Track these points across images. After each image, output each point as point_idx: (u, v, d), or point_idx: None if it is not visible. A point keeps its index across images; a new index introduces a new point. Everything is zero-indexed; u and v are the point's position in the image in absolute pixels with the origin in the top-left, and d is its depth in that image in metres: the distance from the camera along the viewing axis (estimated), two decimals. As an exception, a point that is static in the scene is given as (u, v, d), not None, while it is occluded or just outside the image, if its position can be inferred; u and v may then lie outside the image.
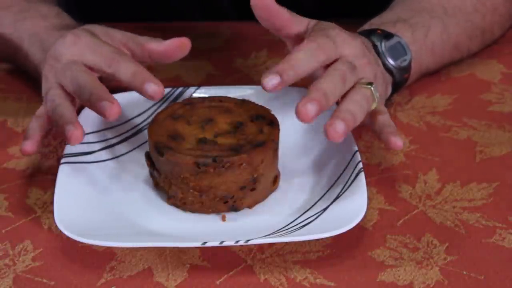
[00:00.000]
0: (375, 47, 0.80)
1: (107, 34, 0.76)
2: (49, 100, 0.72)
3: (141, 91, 0.69)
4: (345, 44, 0.71)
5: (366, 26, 0.84)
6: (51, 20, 0.85)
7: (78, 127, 0.67)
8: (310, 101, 0.65)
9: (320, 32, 0.71)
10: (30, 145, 0.71)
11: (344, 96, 0.68)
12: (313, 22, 0.74)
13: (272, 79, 0.66)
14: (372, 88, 0.69)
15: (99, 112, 0.67)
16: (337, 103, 0.69)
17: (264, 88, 0.66)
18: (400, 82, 0.82)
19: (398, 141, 0.69)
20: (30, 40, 0.84)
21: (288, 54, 0.69)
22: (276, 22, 0.73)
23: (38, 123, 0.73)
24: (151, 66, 0.95)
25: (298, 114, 0.65)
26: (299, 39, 0.74)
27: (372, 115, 0.72)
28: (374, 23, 0.85)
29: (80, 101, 0.72)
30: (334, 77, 0.68)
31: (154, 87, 0.69)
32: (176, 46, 0.75)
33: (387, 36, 0.81)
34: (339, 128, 0.65)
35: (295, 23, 0.73)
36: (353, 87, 0.69)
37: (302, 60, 0.68)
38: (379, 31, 0.81)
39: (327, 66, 0.70)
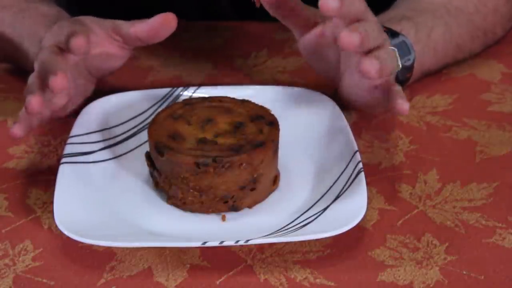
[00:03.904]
0: None
1: (97, 23, 0.76)
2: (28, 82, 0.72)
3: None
4: (371, 13, 0.71)
5: None
6: (51, 19, 0.85)
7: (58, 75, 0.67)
8: (353, 31, 0.63)
9: None
10: (17, 128, 0.70)
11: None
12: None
13: (331, 1, 0.63)
14: (396, 51, 0.69)
15: (48, 85, 0.67)
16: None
17: (323, 7, 0.63)
18: (402, 81, 0.82)
19: (404, 105, 0.67)
20: (30, 40, 0.84)
21: None
22: (284, 6, 0.72)
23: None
24: (151, 67, 0.95)
25: (342, 40, 0.63)
26: (307, 27, 0.74)
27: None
28: (379, 20, 0.85)
29: (41, 80, 0.71)
30: (372, 24, 0.67)
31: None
32: (160, 23, 0.75)
33: (393, 34, 0.81)
34: (371, 65, 0.64)
35: (304, 8, 0.73)
36: (379, 46, 0.68)
37: None
38: (384, 29, 0.81)
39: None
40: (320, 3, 0.64)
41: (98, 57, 0.78)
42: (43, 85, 0.70)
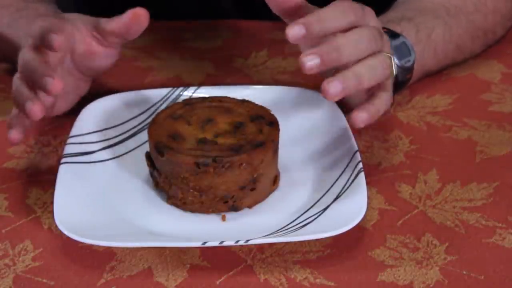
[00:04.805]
0: None
1: (81, 20, 0.77)
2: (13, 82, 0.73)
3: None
4: (372, 16, 0.71)
5: None
6: (48, 18, 0.85)
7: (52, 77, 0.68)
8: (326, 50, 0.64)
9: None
10: (15, 133, 0.71)
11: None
12: None
13: (296, 29, 0.64)
14: (393, 58, 0.69)
15: (42, 87, 0.68)
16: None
17: (288, 36, 0.64)
18: (403, 82, 0.82)
19: (358, 117, 0.67)
20: (26, 40, 0.84)
21: (316, 11, 0.67)
22: (289, 5, 0.72)
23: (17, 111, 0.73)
24: (151, 67, 0.95)
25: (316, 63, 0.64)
26: None
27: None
28: (379, 21, 0.85)
29: (27, 81, 0.72)
30: (364, 31, 0.67)
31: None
32: (131, 19, 0.75)
33: (393, 35, 0.81)
34: (334, 87, 0.64)
35: (309, 9, 0.73)
36: (373, 53, 0.69)
37: (331, 15, 0.66)
38: (385, 30, 0.81)
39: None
40: (286, 31, 0.64)
41: (84, 55, 0.78)
42: (32, 87, 0.70)
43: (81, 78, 0.80)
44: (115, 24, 0.76)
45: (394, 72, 0.71)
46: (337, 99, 0.66)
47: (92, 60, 0.79)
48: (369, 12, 0.71)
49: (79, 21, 0.78)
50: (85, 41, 0.78)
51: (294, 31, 0.64)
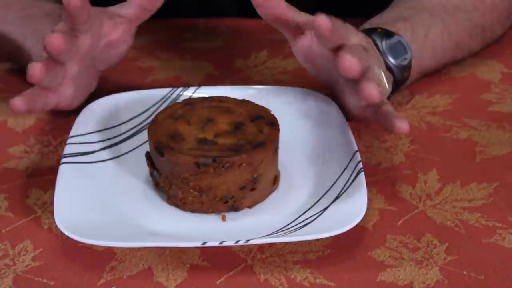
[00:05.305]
0: (375, 45, 0.80)
1: (104, 13, 0.78)
2: None
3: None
4: (352, 33, 0.72)
5: (366, 25, 0.84)
6: (54, 17, 0.85)
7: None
8: (353, 57, 0.66)
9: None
10: (18, 100, 0.70)
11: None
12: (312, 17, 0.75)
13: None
14: (383, 73, 0.70)
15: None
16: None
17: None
18: (400, 80, 0.83)
19: (403, 124, 0.66)
20: (33, 38, 0.84)
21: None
22: (274, 10, 0.73)
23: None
24: (151, 67, 0.95)
25: (344, 67, 0.66)
26: (298, 33, 0.74)
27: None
28: (374, 22, 0.85)
29: None
30: (357, 48, 0.69)
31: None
32: None
33: (388, 34, 0.81)
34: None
35: (295, 14, 0.74)
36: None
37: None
38: (379, 30, 0.81)
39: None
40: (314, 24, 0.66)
41: (106, 46, 0.79)
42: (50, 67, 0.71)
43: (93, 74, 0.81)
44: None
45: (387, 87, 0.73)
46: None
47: (111, 50, 0.80)
48: (350, 28, 0.74)
49: (103, 14, 0.78)
50: (108, 32, 0.78)
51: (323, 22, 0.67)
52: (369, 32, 0.81)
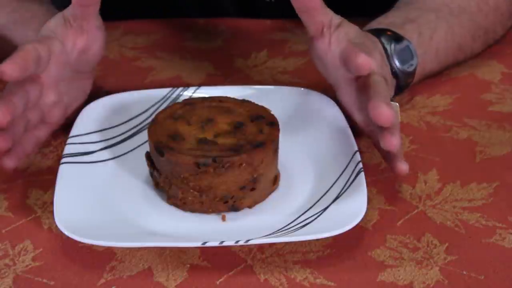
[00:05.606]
0: (384, 49, 0.80)
1: (64, 27, 0.76)
2: None
3: None
4: (373, 58, 0.74)
5: (374, 25, 0.84)
6: (40, 19, 0.84)
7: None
8: (388, 109, 0.66)
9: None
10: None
11: None
12: (336, 19, 0.75)
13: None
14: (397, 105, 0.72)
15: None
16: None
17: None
18: (403, 86, 0.83)
19: (404, 166, 0.69)
20: (23, 41, 0.84)
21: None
22: (307, 3, 0.73)
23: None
24: (151, 67, 0.95)
25: (379, 118, 0.66)
26: (320, 27, 0.74)
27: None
28: (382, 22, 0.85)
29: None
30: (384, 88, 0.70)
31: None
32: None
33: (397, 39, 0.81)
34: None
35: (323, 10, 0.74)
36: None
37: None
38: (389, 33, 0.81)
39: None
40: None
41: (77, 54, 0.76)
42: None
43: (83, 76, 0.80)
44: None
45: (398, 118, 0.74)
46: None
47: (86, 53, 0.77)
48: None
49: (66, 29, 0.76)
50: (74, 41, 0.76)
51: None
52: (377, 34, 0.81)
